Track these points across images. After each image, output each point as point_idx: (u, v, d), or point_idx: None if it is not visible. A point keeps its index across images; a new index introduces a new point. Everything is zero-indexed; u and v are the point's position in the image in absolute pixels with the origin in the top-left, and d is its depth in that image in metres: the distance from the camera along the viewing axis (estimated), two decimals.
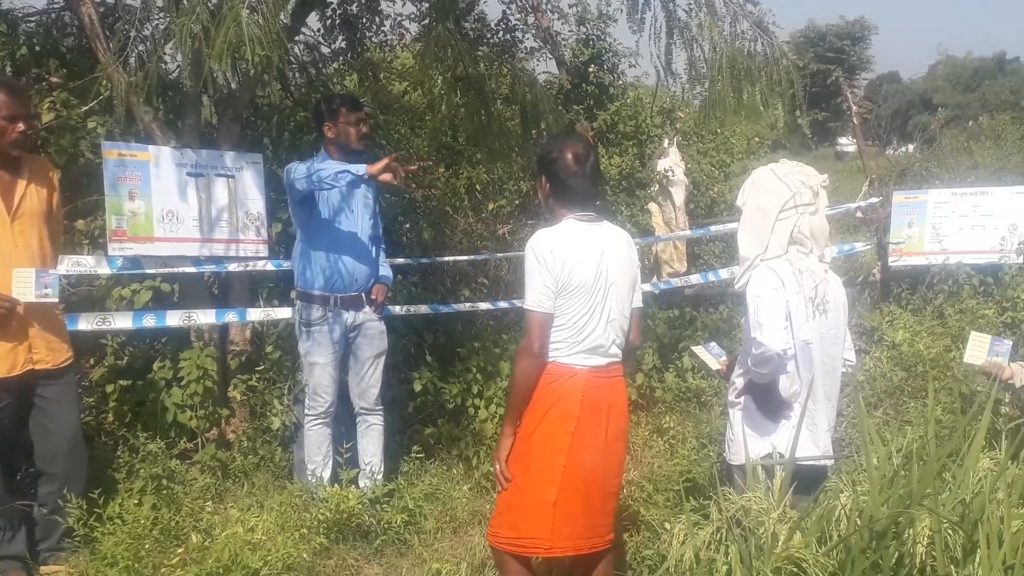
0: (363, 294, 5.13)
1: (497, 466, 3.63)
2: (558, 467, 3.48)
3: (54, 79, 6.06)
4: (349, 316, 5.11)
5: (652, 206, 9.94)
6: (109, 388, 5.81)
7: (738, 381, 3.77)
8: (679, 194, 10.20)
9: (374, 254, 5.23)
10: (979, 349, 4.39)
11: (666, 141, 10.32)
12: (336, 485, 4.93)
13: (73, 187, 5.77)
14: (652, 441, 6.23)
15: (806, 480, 3.15)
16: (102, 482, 4.87)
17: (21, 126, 4.15)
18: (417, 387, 6.34)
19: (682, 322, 8.08)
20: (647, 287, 7.62)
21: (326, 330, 5.07)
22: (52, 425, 4.42)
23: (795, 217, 3.63)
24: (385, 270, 5.33)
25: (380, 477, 5.20)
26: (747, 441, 3.63)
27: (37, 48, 6.39)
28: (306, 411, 5.18)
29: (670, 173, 10.04)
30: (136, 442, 5.17)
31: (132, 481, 5.03)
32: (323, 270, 5.06)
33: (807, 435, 3.57)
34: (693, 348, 4.53)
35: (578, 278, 3.48)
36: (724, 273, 7.88)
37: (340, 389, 5.22)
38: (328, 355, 5.08)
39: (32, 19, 6.73)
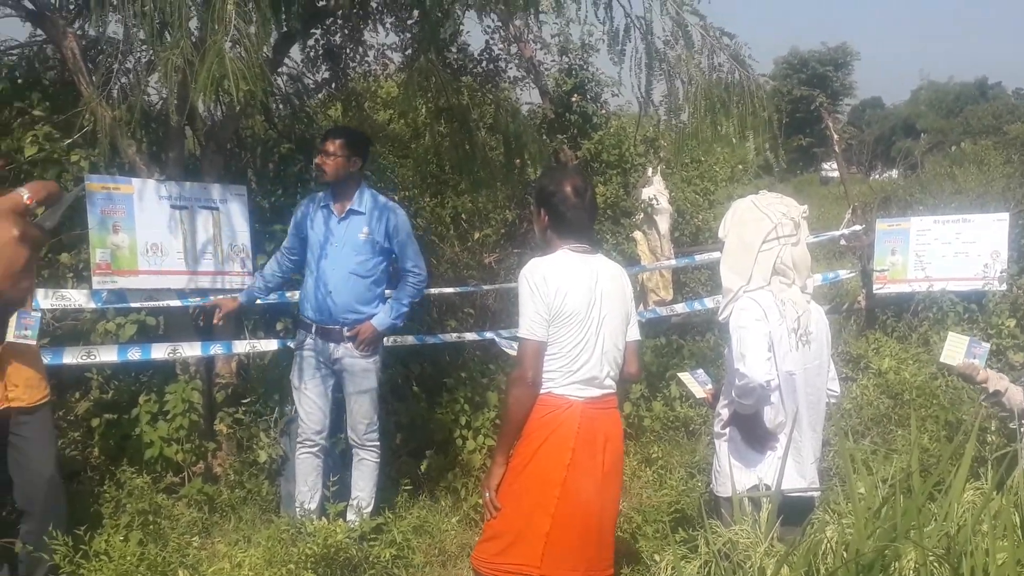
0: (342, 328, 5.07)
1: (487, 494, 3.60)
2: (552, 499, 3.46)
3: (37, 112, 6.04)
4: (330, 347, 5.10)
5: (637, 234, 9.97)
6: (95, 422, 5.79)
7: (723, 412, 3.78)
8: (664, 222, 10.25)
9: (359, 292, 5.08)
10: (956, 350, 4.40)
11: (650, 170, 10.37)
12: (323, 518, 4.89)
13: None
14: (641, 471, 6.23)
15: (793, 511, 3.15)
16: (88, 518, 4.85)
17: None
18: (405, 419, 6.32)
19: (669, 350, 8.09)
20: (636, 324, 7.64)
21: (308, 356, 5.14)
22: (28, 463, 4.38)
23: (777, 248, 3.65)
24: (383, 314, 5.13)
25: (369, 511, 5.17)
26: (733, 473, 3.64)
27: (19, 81, 6.38)
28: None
29: (654, 201, 10.09)
30: (122, 476, 5.13)
31: (118, 516, 4.99)
32: (306, 298, 5.16)
33: (793, 466, 3.58)
34: (679, 375, 4.54)
35: (571, 306, 3.48)
36: (710, 302, 7.90)
37: (333, 421, 5.25)
38: (308, 381, 5.14)
39: (14, 52, 6.73)
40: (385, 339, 6.28)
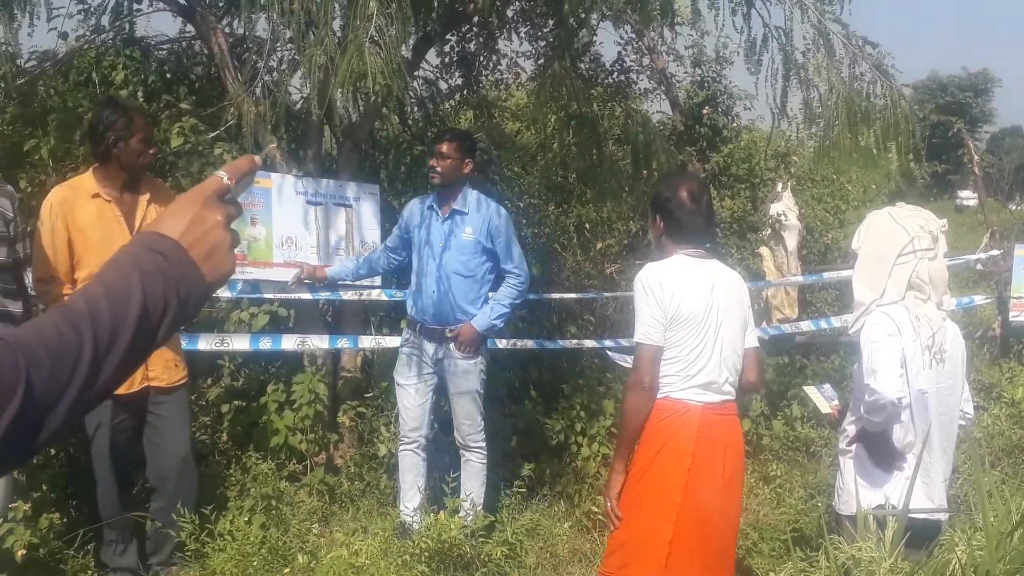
0: (445, 329, 5.08)
1: (608, 503, 3.58)
2: (674, 505, 3.42)
3: (183, 106, 6.31)
4: (431, 347, 5.14)
5: (763, 250, 9.81)
6: (224, 408, 5.99)
7: (850, 429, 3.68)
8: (792, 239, 10.05)
9: (463, 292, 5.07)
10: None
11: (780, 185, 10.19)
12: (434, 514, 4.95)
13: None
14: (758, 489, 6.11)
15: (919, 534, 3.05)
16: (214, 499, 5.02)
17: (152, 150, 4.35)
18: (521, 422, 6.36)
19: (791, 369, 7.93)
20: (756, 332, 7.51)
21: (412, 354, 5.20)
22: (164, 443, 4.52)
23: (913, 262, 3.54)
24: (483, 315, 5.09)
25: (479, 510, 5.20)
26: (858, 491, 3.54)
27: (168, 75, 6.69)
28: None
29: (783, 217, 9.90)
30: (248, 462, 5.30)
31: (243, 499, 5.15)
32: (411, 297, 5.24)
33: (921, 487, 3.46)
34: (805, 388, 4.44)
35: (687, 309, 3.46)
36: (836, 321, 7.72)
37: (443, 422, 5.33)
38: (410, 378, 5.19)
39: (164, 47, 7.07)
40: (504, 342, 6.37)
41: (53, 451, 5.17)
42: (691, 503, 3.43)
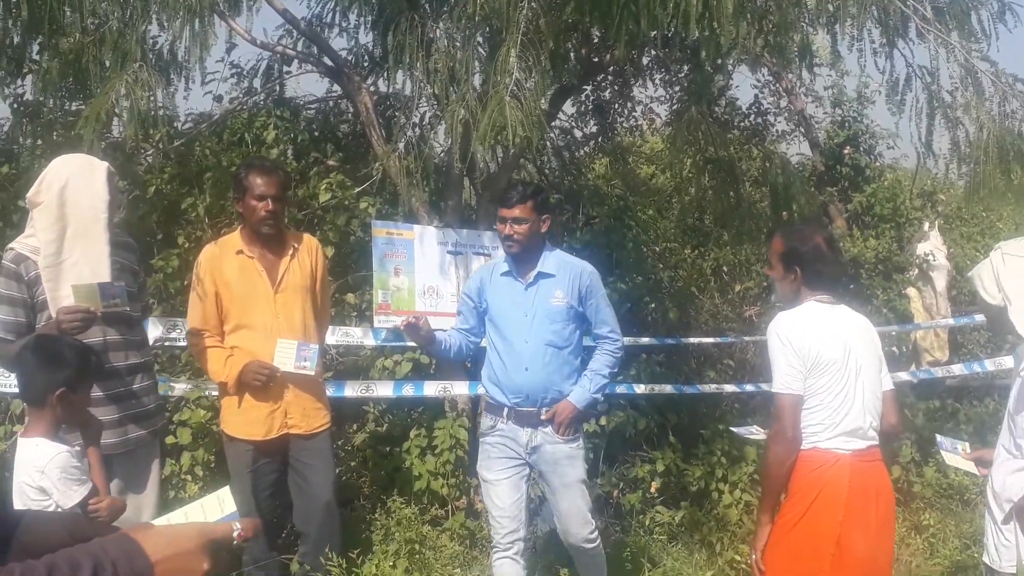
0: (538, 409, 4.34)
1: (753, 556, 3.54)
2: (827, 556, 3.35)
3: (331, 162, 6.58)
4: (525, 433, 4.37)
5: (911, 291, 9.50)
6: (368, 453, 6.14)
7: (1011, 480, 3.51)
8: (940, 279, 9.69)
9: (557, 366, 4.36)
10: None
11: (927, 224, 9.88)
12: None
13: (345, 263, 6.22)
14: (910, 539, 5.90)
15: None
16: (360, 542, 5.14)
17: (270, 205, 4.35)
18: (660, 467, 6.32)
19: (943, 414, 7.64)
20: (905, 375, 7.30)
21: (499, 444, 4.42)
22: (308, 488, 4.58)
23: None
24: (581, 388, 4.38)
25: None
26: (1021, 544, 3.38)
27: (316, 133, 6.99)
28: None
29: (931, 257, 9.58)
30: (392, 506, 5.41)
31: (387, 543, 5.25)
32: (493, 379, 4.48)
33: None
34: (943, 453, 4.20)
35: (827, 356, 3.40)
36: (990, 364, 7.40)
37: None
38: (499, 473, 4.41)
39: (312, 106, 7.42)
40: (642, 387, 6.34)
41: (207, 493, 5.40)
42: (845, 554, 3.35)
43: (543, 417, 4.32)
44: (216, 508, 1.44)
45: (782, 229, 3.72)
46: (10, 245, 3.95)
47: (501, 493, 4.39)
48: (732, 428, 5.62)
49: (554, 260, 4.41)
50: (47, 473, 3.14)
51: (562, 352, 4.37)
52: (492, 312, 4.48)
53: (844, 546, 3.35)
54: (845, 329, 3.50)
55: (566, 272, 4.38)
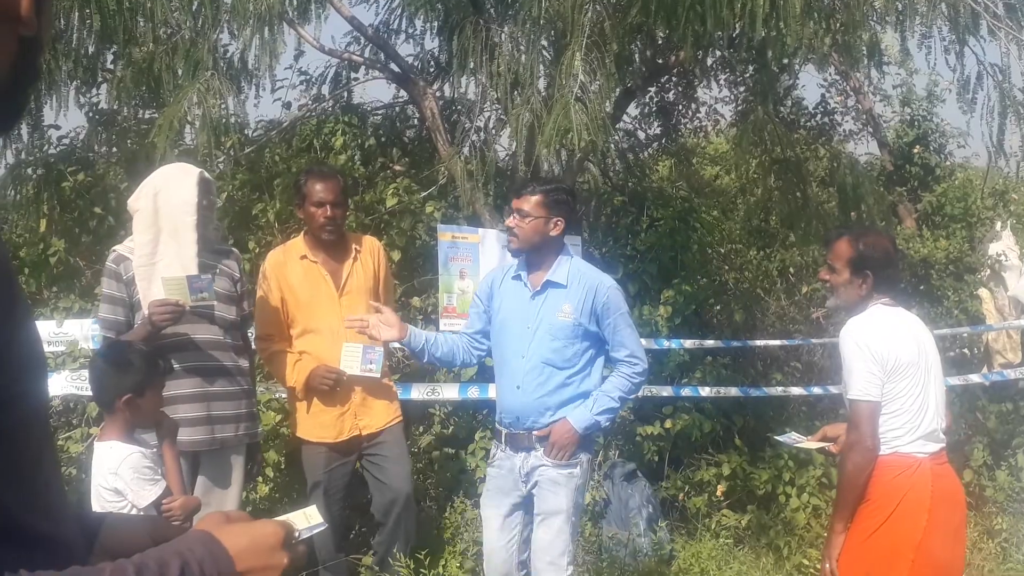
0: (532, 433, 3.83)
1: (827, 565, 3.49)
2: (907, 562, 3.29)
3: (397, 167, 6.65)
4: (519, 459, 3.89)
5: (983, 292, 9.32)
6: (435, 455, 6.19)
7: None
8: (1013, 280, 9.50)
9: (554, 387, 3.82)
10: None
11: (998, 224, 9.69)
12: None
13: (411, 267, 6.28)
14: (982, 543, 5.79)
15: None
16: (428, 543, 5.19)
17: (328, 211, 4.39)
18: (726, 471, 6.28)
19: (1016, 417, 7.47)
20: (976, 378, 7.17)
21: (497, 475, 3.97)
22: (386, 479, 4.58)
23: None
24: (584, 408, 3.81)
25: None
26: None
27: (383, 138, 7.07)
28: None
29: (1003, 258, 9.39)
30: (459, 507, 5.45)
31: (454, 543, 5.30)
32: (497, 398, 4.05)
33: None
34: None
35: (905, 359, 3.35)
36: None
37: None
38: (492, 510, 3.98)
39: (379, 112, 7.51)
40: (707, 389, 6.29)
41: (277, 494, 5.51)
42: (924, 559, 3.30)
43: (536, 435, 3.81)
44: (303, 522, 1.47)
45: (846, 233, 3.66)
46: (113, 248, 4.14)
47: (491, 532, 3.98)
48: (775, 437, 5.56)
49: (568, 269, 3.87)
50: (120, 474, 3.21)
51: (561, 373, 3.82)
52: (496, 319, 4.01)
53: (923, 551, 3.29)
54: (915, 330, 3.47)
55: (580, 284, 3.83)
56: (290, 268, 4.49)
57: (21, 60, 1.08)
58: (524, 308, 3.88)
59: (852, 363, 3.39)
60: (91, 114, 6.99)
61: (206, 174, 4.15)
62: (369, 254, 4.63)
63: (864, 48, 5.36)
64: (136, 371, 3.28)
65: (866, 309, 3.50)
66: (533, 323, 3.83)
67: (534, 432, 3.80)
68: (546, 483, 3.80)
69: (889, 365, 3.35)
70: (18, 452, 1.06)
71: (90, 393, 4.47)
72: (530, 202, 3.80)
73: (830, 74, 7.96)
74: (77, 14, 5.41)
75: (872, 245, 3.59)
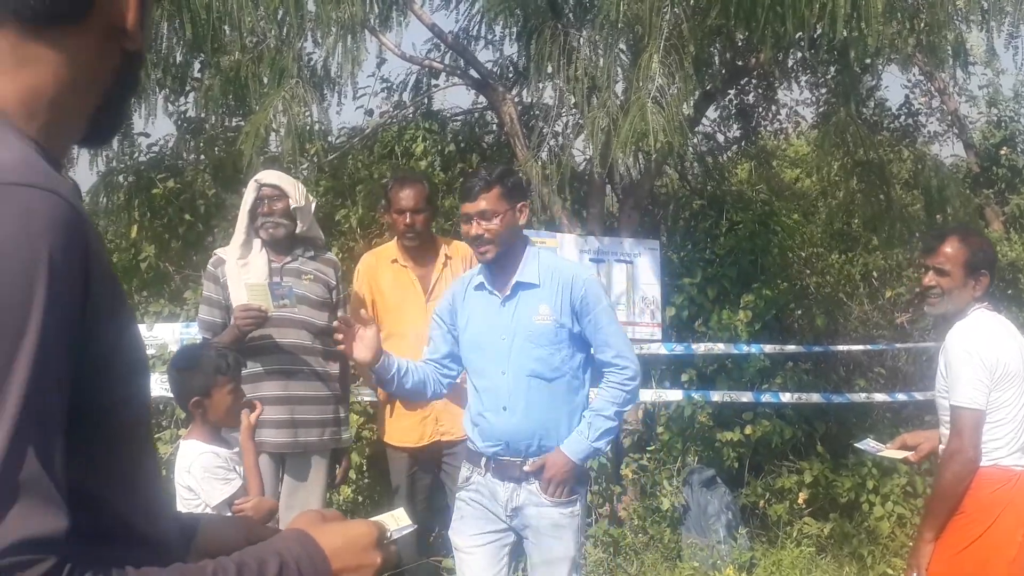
0: (522, 461, 3.34)
1: (914, 574, 3.41)
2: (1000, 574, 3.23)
3: None
4: (505, 489, 3.38)
5: None
6: None
7: None
8: None
9: (546, 404, 3.34)
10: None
11: None
12: None
13: None
14: None
15: None
16: None
17: (407, 218, 4.42)
18: (808, 478, 6.19)
19: None
20: None
21: (474, 503, 3.46)
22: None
23: None
24: (579, 435, 3.32)
25: None
26: None
27: (462, 144, 7.14)
28: None
29: None
30: None
31: None
32: (470, 415, 3.52)
33: None
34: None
35: (1013, 367, 3.23)
36: None
37: None
38: (472, 539, 3.46)
39: (458, 118, 7.58)
40: (788, 395, 6.21)
41: (360, 497, 5.60)
42: (1015, 572, 3.21)
43: (527, 469, 3.32)
44: (392, 523, 1.49)
45: (952, 233, 3.53)
46: (214, 250, 4.35)
47: (474, 566, 3.43)
48: (855, 444, 5.44)
49: (538, 265, 3.39)
50: (192, 472, 3.26)
51: (552, 385, 3.34)
52: (464, 338, 3.50)
53: (1018, 568, 3.21)
54: (1019, 338, 3.35)
55: (553, 281, 3.35)
56: (381, 272, 4.55)
57: (123, 74, 1.12)
58: (495, 318, 3.39)
59: (960, 369, 3.26)
60: (180, 122, 7.19)
61: (271, 177, 4.25)
62: (461, 261, 4.60)
63: (949, 48, 5.25)
64: (200, 373, 3.30)
65: (968, 314, 3.38)
66: (508, 333, 3.35)
67: (526, 464, 3.32)
68: (547, 528, 3.34)
69: (997, 373, 3.23)
70: (124, 454, 1.08)
71: None
72: (489, 198, 3.29)
73: (914, 75, 7.81)
74: (166, 24, 5.57)
75: (982, 244, 3.48)
